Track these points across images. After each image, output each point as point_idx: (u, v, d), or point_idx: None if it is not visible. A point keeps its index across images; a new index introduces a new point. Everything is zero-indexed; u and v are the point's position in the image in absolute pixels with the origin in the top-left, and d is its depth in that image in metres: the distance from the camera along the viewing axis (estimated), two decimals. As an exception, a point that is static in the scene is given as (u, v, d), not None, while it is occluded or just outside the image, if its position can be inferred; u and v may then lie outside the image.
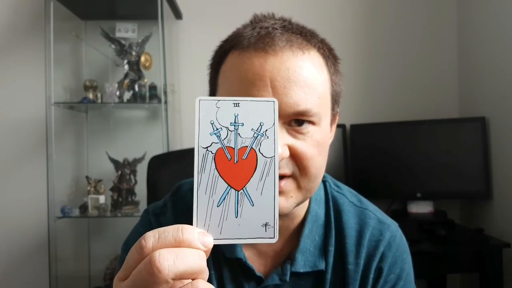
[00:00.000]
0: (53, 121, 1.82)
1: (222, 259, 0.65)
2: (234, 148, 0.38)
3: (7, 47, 2.03)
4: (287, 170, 0.56)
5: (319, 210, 0.67)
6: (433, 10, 2.08)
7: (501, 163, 1.72)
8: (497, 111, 1.75)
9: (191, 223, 0.37)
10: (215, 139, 0.38)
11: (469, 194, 1.81)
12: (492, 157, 1.78)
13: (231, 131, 0.38)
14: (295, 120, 0.56)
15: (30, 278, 2.00)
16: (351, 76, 2.03)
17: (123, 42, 1.85)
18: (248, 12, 0.68)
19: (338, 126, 1.73)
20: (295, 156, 0.56)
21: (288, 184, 0.56)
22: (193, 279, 0.34)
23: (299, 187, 0.57)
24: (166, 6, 1.84)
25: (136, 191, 1.87)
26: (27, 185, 2.01)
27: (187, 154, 1.24)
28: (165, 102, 1.82)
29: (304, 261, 0.63)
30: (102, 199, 1.84)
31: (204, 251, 0.35)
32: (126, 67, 1.84)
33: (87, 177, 1.88)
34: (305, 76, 0.56)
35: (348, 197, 0.70)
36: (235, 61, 0.58)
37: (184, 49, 2.09)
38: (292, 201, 0.57)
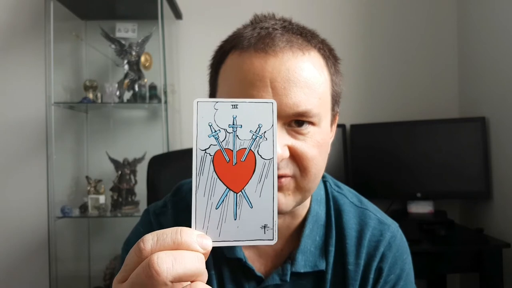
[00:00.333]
0: (53, 121, 1.82)
1: (223, 259, 0.65)
2: (232, 150, 0.38)
3: (7, 47, 2.03)
4: (287, 171, 0.56)
5: (320, 210, 0.67)
6: (433, 10, 2.08)
7: (501, 163, 1.72)
8: (497, 111, 1.75)
9: (191, 223, 0.37)
10: (214, 141, 0.37)
11: (469, 194, 1.81)
12: (492, 157, 1.77)
13: (229, 133, 0.38)
14: (295, 121, 0.56)
15: (30, 278, 2.00)
16: (351, 76, 2.03)
17: (123, 42, 1.85)
18: (248, 12, 0.68)
19: (338, 126, 1.73)
20: (295, 157, 0.56)
21: (288, 181, 0.57)
22: (192, 282, 0.34)
23: (298, 187, 0.57)
24: (166, 6, 1.84)
25: (136, 191, 1.87)
26: (27, 185, 2.01)
27: (187, 154, 1.24)
28: (165, 102, 1.82)
29: (304, 261, 0.63)
30: (102, 199, 1.84)
31: (203, 254, 0.35)
32: (126, 67, 1.84)
33: (87, 177, 1.88)
34: (305, 76, 0.56)
35: (348, 197, 0.70)
36: (235, 61, 0.58)
37: (184, 49, 2.09)
38: (290, 199, 0.57)
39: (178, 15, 2.02)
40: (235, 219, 0.37)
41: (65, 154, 2.01)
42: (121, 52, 1.85)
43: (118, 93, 1.84)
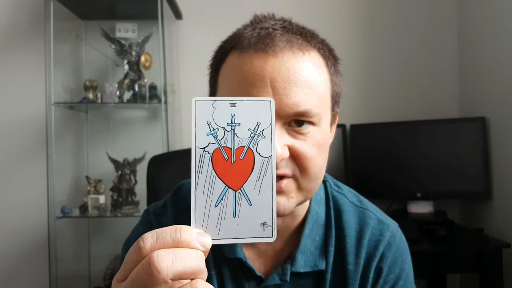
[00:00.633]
0: (53, 121, 1.82)
1: (223, 259, 0.65)
2: (231, 148, 0.38)
3: (7, 47, 2.03)
4: (287, 171, 0.56)
5: (320, 210, 0.67)
6: (433, 10, 2.08)
7: (501, 163, 1.72)
8: (497, 111, 1.75)
9: (190, 222, 0.37)
10: (212, 140, 0.38)
11: (469, 194, 1.81)
12: (492, 157, 1.78)
13: (228, 131, 0.38)
14: (295, 121, 0.56)
15: (30, 278, 2.00)
16: (351, 76, 2.03)
17: (123, 42, 1.85)
18: (248, 12, 0.68)
19: (338, 126, 1.73)
20: (295, 157, 0.56)
21: (289, 184, 0.56)
22: (192, 279, 0.34)
23: (299, 187, 0.57)
24: (166, 6, 1.84)
25: (136, 191, 1.87)
26: (27, 185, 2.01)
27: (187, 154, 1.23)
28: (165, 102, 1.82)
29: (304, 261, 0.63)
30: (102, 199, 1.84)
31: (203, 251, 0.35)
32: (126, 67, 1.84)
33: (87, 177, 1.88)
34: (305, 76, 0.56)
35: (348, 197, 0.70)
36: (235, 61, 0.58)
37: (184, 49, 2.09)
38: (293, 202, 0.57)
39: (178, 15, 2.02)
40: (234, 217, 0.37)
41: (65, 154, 2.01)
42: (121, 52, 1.85)
43: (118, 93, 1.84)
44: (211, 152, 0.37)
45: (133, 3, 1.90)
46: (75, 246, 2.06)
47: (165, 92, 1.82)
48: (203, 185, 0.37)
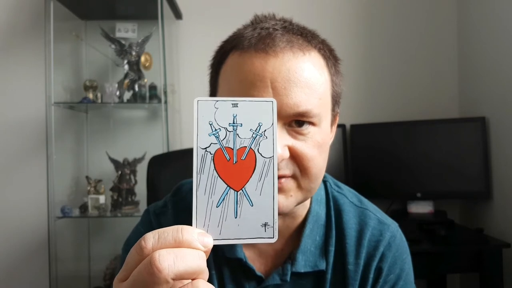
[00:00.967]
0: (53, 121, 1.82)
1: (223, 259, 0.65)
2: (233, 149, 0.38)
3: (7, 47, 2.03)
4: (287, 171, 0.56)
5: (320, 210, 0.67)
6: (433, 10, 2.08)
7: (501, 163, 1.72)
8: (497, 111, 1.75)
9: (191, 223, 0.37)
10: (214, 140, 0.38)
11: (469, 194, 1.81)
12: (492, 157, 1.78)
13: (229, 131, 0.38)
14: (295, 121, 0.56)
15: (30, 278, 2.00)
16: (352, 76, 2.03)
17: (123, 42, 1.85)
18: (249, 12, 0.68)
19: (338, 126, 1.72)
20: (295, 157, 0.56)
21: (288, 183, 0.57)
22: (193, 279, 0.34)
23: (299, 186, 0.57)
24: (166, 6, 1.84)
25: (136, 191, 1.87)
26: (27, 185, 2.01)
27: (187, 154, 1.24)
28: (165, 102, 1.82)
29: (304, 261, 0.63)
30: (102, 199, 1.84)
31: (204, 252, 0.35)
32: (126, 67, 1.84)
33: (87, 177, 1.88)
34: (305, 77, 0.56)
35: (348, 197, 0.70)
36: (236, 61, 0.58)
37: (184, 49, 2.09)
38: (291, 200, 0.57)
39: (178, 15, 2.02)
40: (235, 217, 0.37)
41: (65, 154, 2.01)
42: (121, 52, 1.85)
43: (118, 93, 1.84)
44: (213, 152, 0.37)
45: (133, 3, 1.90)
46: (75, 246, 2.06)
47: (165, 92, 1.82)
48: (205, 185, 0.37)
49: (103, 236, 2.07)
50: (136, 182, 1.87)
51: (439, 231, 1.61)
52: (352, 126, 1.95)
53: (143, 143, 1.99)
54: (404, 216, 1.83)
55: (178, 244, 0.34)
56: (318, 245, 0.65)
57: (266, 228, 0.37)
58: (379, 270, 0.65)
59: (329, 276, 0.64)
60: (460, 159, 1.79)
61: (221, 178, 0.37)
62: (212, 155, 0.37)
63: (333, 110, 0.62)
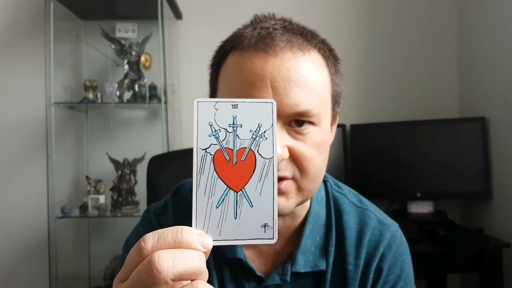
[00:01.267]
0: (53, 121, 1.82)
1: (223, 259, 0.65)
2: (232, 150, 0.38)
3: (7, 47, 2.03)
4: (287, 173, 0.56)
5: (320, 210, 0.67)
6: (433, 10, 2.08)
7: (501, 163, 1.72)
8: (497, 111, 1.75)
9: (191, 224, 0.37)
10: (214, 141, 0.38)
11: (469, 194, 1.81)
12: (492, 157, 1.78)
13: (229, 132, 0.38)
14: (295, 121, 0.56)
15: (30, 278, 2.00)
16: (352, 76, 2.03)
17: (123, 42, 1.85)
18: (249, 12, 0.68)
19: (338, 126, 1.72)
20: (295, 157, 0.56)
21: (289, 185, 0.56)
22: (192, 280, 0.34)
23: (299, 188, 0.57)
24: (166, 6, 1.84)
25: (136, 191, 1.87)
26: (27, 185, 2.01)
27: (187, 154, 1.24)
28: (165, 102, 1.82)
29: (304, 261, 0.63)
30: (102, 199, 1.84)
31: (204, 252, 0.35)
32: (126, 67, 1.84)
33: (87, 177, 1.88)
34: (305, 76, 0.56)
35: (348, 197, 0.70)
36: (236, 61, 0.58)
37: (184, 49, 2.09)
38: (292, 202, 0.57)
39: (178, 15, 2.02)
40: (235, 218, 0.37)
41: (65, 154, 2.01)
42: (121, 52, 1.85)
43: (118, 93, 1.84)
44: (212, 153, 0.38)
45: (133, 3, 1.90)
46: (75, 246, 2.06)
47: (165, 92, 1.82)
48: (205, 186, 0.37)
49: (103, 236, 2.07)
50: (136, 182, 1.87)
51: (439, 231, 1.61)
52: (352, 126, 1.95)
53: (143, 143, 1.99)
54: (404, 216, 1.83)
55: (177, 245, 0.34)
56: (318, 245, 0.65)
57: (266, 229, 0.37)
58: (379, 271, 0.65)
59: (329, 276, 0.64)
60: (460, 159, 1.79)
61: (221, 179, 0.37)
62: (212, 156, 0.37)
63: (333, 110, 0.62)
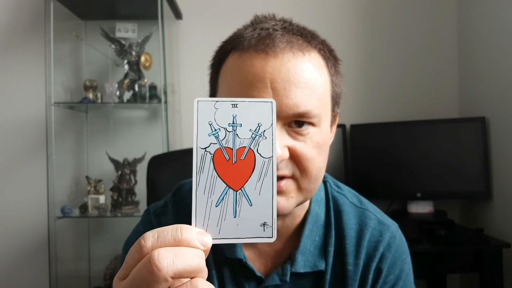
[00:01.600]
0: (53, 121, 1.82)
1: (223, 259, 0.65)
2: (232, 149, 0.38)
3: (7, 47, 2.03)
4: (287, 172, 0.56)
5: (320, 211, 0.67)
6: (433, 10, 2.08)
7: (501, 163, 1.72)
8: (497, 111, 1.75)
9: (191, 223, 0.37)
10: (214, 140, 0.38)
11: (469, 194, 1.81)
12: (492, 157, 1.78)
13: (229, 131, 0.38)
14: (295, 122, 0.56)
15: (30, 278, 2.00)
16: (352, 76, 2.03)
17: (123, 42, 1.85)
18: (249, 13, 0.68)
19: (338, 126, 1.72)
20: (295, 158, 0.56)
21: (289, 184, 0.57)
22: (192, 278, 0.34)
23: (299, 188, 0.57)
24: (166, 6, 1.84)
25: (136, 191, 1.87)
26: (27, 185, 2.01)
27: (187, 154, 1.24)
28: (165, 102, 1.82)
29: (304, 262, 0.63)
30: (102, 199, 1.84)
31: (203, 251, 0.35)
32: (126, 67, 1.84)
33: (87, 177, 1.88)
34: (305, 77, 0.56)
35: (348, 197, 0.70)
36: (236, 62, 0.58)
37: (184, 49, 2.09)
38: (292, 202, 0.57)
39: (178, 15, 2.02)
40: (234, 217, 0.37)
41: (65, 154, 2.01)
42: (121, 52, 1.85)
43: (118, 93, 1.84)
44: (212, 152, 0.38)
45: (133, 3, 1.90)
46: (75, 246, 2.06)
47: (165, 92, 1.82)
48: (204, 185, 0.37)
49: (103, 236, 2.07)
50: (136, 182, 1.87)
51: (439, 231, 1.61)
52: (352, 126, 1.95)
53: (143, 143, 1.99)
54: (404, 216, 1.83)
55: (177, 243, 0.34)
56: (318, 246, 0.65)
57: (265, 227, 0.38)
58: (378, 271, 0.65)
59: (328, 276, 0.64)
60: (460, 159, 1.79)
61: (220, 178, 0.37)
62: (212, 155, 0.38)
63: (333, 110, 0.62)
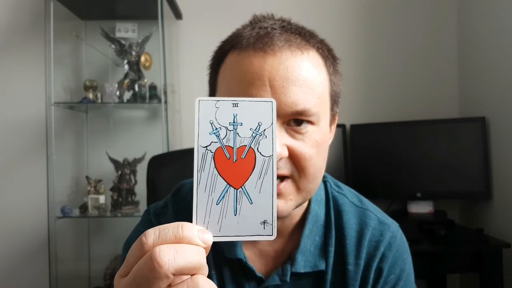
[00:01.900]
0: (53, 121, 1.82)
1: (223, 259, 0.65)
2: (233, 147, 0.38)
3: (7, 47, 2.03)
4: (285, 171, 0.56)
5: (320, 211, 0.67)
6: (433, 10, 2.08)
7: (501, 163, 1.72)
8: (497, 111, 1.76)
9: (191, 222, 0.37)
10: (214, 139, 0.38)
11: (469, 194, 1.81)
12: (492, 157, 1.78)
13: (230, 130, 0.39)
14: (294, 120, 0.56)
15: (30, 278, 2.00)
16: (351, 76, 2.04)
17: (123, 42, 1.85)
18: (248, 13, 0.68)
19: (338, 126, 1.73)
20: (293, 156, 0.56)
21: (288, 186, 0.57)
22: (192, 275, 0.34)
23: (298, 189, 0.57)
24: (166, 6, 1.84)
25: (136, 191, 1.87)
26: (27, 185, 2.01)
27: (187, 154, 1.24)
28: (165, 102, 1.82)
29: (304, 262, 0.63)
30: (102, 199, 1.84)
31: (204, 248, 0.35)
32: (126, 67, 1.85)
33: (87, 177, 1.88)
34: (304, 75, 0.56)
35: (348, 197, 0.70)
36: (234, 61, 0.58)
37: (184, 49, 2.09)
38: (291, 204, 0.58)
39: (178, 15, 2.03)
40: (235, 215, 0.38)
41: (65, 154, 2.01)
42: (121, 52, 1.85)
43: (118, 93, 1.84)
44: (213, 150, 0.38)
45: (133, 3, 1.90)
46: (75, 246, 2.06)
47: (165, 92, 1.82)
48: (205, 183, 0.38)
49: (103, 236, 2.07)
50: (136, 182, 1.87)
51: (439, 231, 1.61)
52: (352, 126, 1.95)
53: (143, 143, 1.99)
54: (404, 216, 1.83)
55: (178, 240, 0.34)
56: (318, 246, 0.65)
57: (265, 225, 0.38)
58: (379, 271, 0.65)
59: (329, 276, 0.64)
60: (460, 159, 1.80)
61: (221, 176, 0.38)
62: (213, 153, 0.38)
63: (331, 109, 0.62)
